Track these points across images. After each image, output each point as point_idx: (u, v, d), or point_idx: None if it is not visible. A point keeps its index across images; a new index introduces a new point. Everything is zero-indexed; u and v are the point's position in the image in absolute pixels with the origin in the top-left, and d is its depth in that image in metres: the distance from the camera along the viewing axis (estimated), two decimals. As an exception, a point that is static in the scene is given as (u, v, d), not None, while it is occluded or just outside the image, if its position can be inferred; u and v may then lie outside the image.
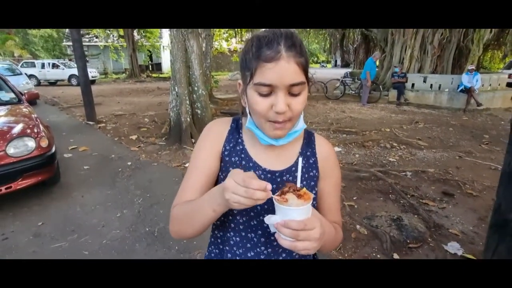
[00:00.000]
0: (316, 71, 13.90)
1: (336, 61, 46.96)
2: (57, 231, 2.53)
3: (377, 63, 10.15)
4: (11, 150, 2.64)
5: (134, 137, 5.53)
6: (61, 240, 2.41)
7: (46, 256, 2.21)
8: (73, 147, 4.85)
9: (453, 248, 2.29)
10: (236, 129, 0.77)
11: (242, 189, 0.52)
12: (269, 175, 0.73)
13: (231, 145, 0.75)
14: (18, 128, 2.88)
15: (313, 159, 0.77)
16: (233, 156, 0.74)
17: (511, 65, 12.91)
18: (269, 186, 0.52)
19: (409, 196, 3.17)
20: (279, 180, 0.73)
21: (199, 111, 5.24)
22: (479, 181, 3.60)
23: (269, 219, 0.57)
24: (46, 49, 24.18)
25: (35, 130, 2.95)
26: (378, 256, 2.25)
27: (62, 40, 25.37)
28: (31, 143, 2.78)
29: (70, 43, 23.14)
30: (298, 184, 0.59)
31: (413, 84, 9.78)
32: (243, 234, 0.73)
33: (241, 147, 0.75)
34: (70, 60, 20.34)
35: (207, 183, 0.72)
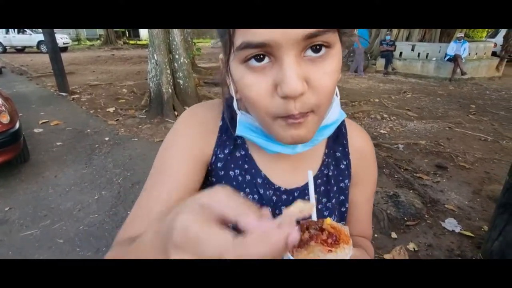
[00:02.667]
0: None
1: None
2: (27, 217, 2.28)
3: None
4: (-36, 127, 2.30)
5: (111, 109, 5.13)
6: (32, 227, 2.17)
7: (16, 245, 1.98)
8: (44, 121, 4.44)
9: (451, 225, 2.24)
10: (231, 123, 0.47)
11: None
12: (284, 196, 0.48)
13: (226, 150, 0.48)
14: (-29, 101, 2.50)
15: (345, 163, 0.52)
16: (231, 167, 0.48)
17: (495, 33, 12.87)
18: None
19: (403, 170, 3.10)
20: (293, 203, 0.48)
21: (181, 81, 4.87)
22: (471, 153, 3.57)
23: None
24: (9, 11, 22.03)
25: (-7, 104, 2.58)
26: (376, 235, 2.16)
27: (26, 2, 23.15)
28: (-12, 119, 2.43)
29: (36, 5, 21.34)
30: (314, 215, 0.37)
31: (401, 53, 9.59)
32: None
33: (242, 152, 0.48)
34: (36, 24, 18.62)
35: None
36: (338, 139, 0.52)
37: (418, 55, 9.27)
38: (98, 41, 22.10)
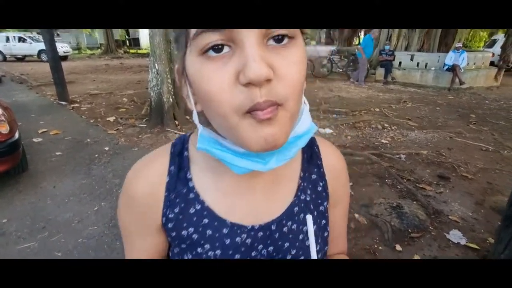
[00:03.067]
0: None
1: (320, 37, 46.42)
2: (24, 229, 2.24)
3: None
4: (-38, 138, 2.27)
5: (111, 118, 5.11)
6: (30, 239, 2.13)
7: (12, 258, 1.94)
8: (43, 130, 4.41)
9: (456, 237, 2.20)
10: (179, 175, 0.43)
11: None
12: (260, 234, 0.44)
13: (176, 209, 0.43)
14: (-30, 111, 2.48)
15: (321, 184, 0.48)
16: (183, 227, 0.43)
17: (493, 43, 13.02)
18: None
19: (405, 181, 3.07)
20: (278, 236, 0.44)
21: (182, 91, 4.87)
22: (472, 163, 3.55)
23: None
24: (10, 20, 22.20)
25: (-8, 114, 2.56)
26: (380, 247, 2.12)
27: (28, 11, 23.36)
28: (-13, 129, 2.40)
29: (37, 15, 21.53)
30: (313, 255, 0.37)
31: (400, 62, 9.67)
32: None
33: (198, 206, 0.43)
34: (38, 33, 18.78)
35: None
36: (312, 159, 0.49)
37: (417, 65, 9.35)
38: (99, 50, 22.24)
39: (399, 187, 2.95)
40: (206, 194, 0.43)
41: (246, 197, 0.44)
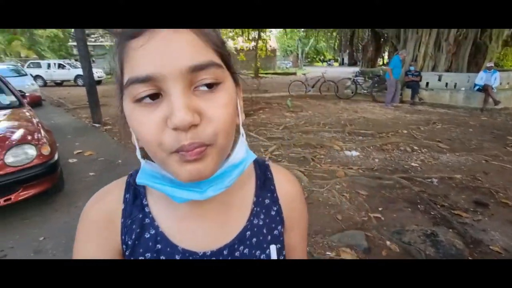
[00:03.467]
0: (326, 70, 13.65)
1: (343, 59, 46.58)
2: (59, 247, 2.33)
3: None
4: (9, 159, 2.44)
5: (140, 140, 5.33)
6: (64, 257, 2.20)
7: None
8: (79, 151, 4.67)
9: (500, 270, 2.03)
10: (135, 203, 0.45)
11: None
12: (213, 259, 0.44)
13: (132, 236, 0.44)
14: (17, 134, 2.68)
15: (275, 208, 0.50)
16: (140, 252, 0.44)
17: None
18: None
19: (439, 207, 2.92)
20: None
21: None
22: (512, 189, 3.32)
23: None
24: (52, 49, 24.20)
25: (36, 137, 2.75)
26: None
27: (68, 40, 25.41)
28: (31, 151, 2.57)
29: (75, 43, 23.42)
30: None
31: (427, 83, 9.46)
32: None
33: (152, 231, 0.44)
34: (76, 60, 20.31)
35: None
36: (265, 185, 0.50)
37: (446, 85, 9.10)
38: (130, 74, 23.53)
39: (432, 213, 2.80)
40: (161, 219, 0.45)
41: (199, 223, 0.45)
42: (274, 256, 0.42)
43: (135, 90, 0.33)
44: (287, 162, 4.11)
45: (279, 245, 0.49)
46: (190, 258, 0.44)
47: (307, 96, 10.73)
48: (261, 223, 0.48)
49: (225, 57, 0.38)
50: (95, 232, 0.45)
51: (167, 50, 0.32)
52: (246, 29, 19.93)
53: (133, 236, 0.44)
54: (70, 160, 4.26)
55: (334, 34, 16.13)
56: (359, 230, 2.53)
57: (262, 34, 20.84)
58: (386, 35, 14.25)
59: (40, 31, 23.45)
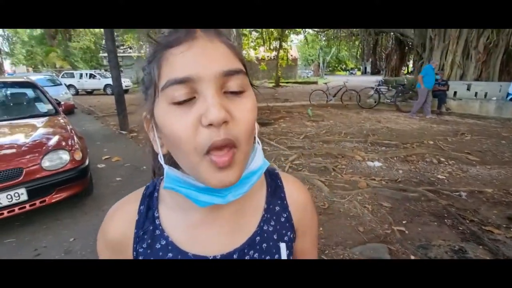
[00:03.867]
0: (348, 79, 13.51)
1: (365, 68, 45.87)
2: (87, 248, 2.44)
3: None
4: (46, 163, 2.61)
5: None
6: (92, 258, 2.31)
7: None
8: (106, 157, 4.88)
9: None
10: (149, 212, 0.49)
11: None
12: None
13: (144, 245, 0.47)
14: (53, 140, 2.86)
15: (285, 215, 0.52)
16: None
17: None
18: None
19: (468, 221, 2.78)
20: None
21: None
22: (551, 205, 3.11)
23: None
24: (84, 60, 25.65)
25: (70, 143, 2.93)
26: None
27: (99, 52, 26.82)
28: (65, 156, 2.74)
29: (105, 54, 24.65)
30: None
31: (455, 92, 9.12)
32: None
33: (163, 242, 0.47)
34: (106, 70, 21.37)
35: None
36: (275, 193, 0.53)
37: (475, 95, 8.74)
38: (155, 84, 24.41)
39: (460, 228, 2.68)
40: (171, 230, 0.47)
41: (211, 229, 0.47)
42: (284, 254, 0.44)
43: (173, 91, 0.36)
44: (308, 171, 4.08)
45: (288, 251, 0.51)
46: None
47: (328, 105, 10.64)
48: (271, 229, 0.50)
49: (247, 70, 0.42)
50: (111, 243, 0.50)
51: (204, 57, 0.37)
52: (268, 39, 20.18)
53: (145, 246, 0.47)
54: (99, 165, 4.47)
55: (357, 43, 15.94)
56: (381, 243, 2.47)
57: (283, 43, 21.01)
58: (410, 43, 13.92)
59: (74, 43, 24.97)
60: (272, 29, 20.47)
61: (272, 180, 0.54)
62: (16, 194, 2.41)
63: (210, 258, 0.46)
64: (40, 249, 2.43)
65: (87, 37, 26.41)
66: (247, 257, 0.48)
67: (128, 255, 0.48)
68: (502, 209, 3.08)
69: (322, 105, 10.77)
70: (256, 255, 0.48)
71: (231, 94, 0.38)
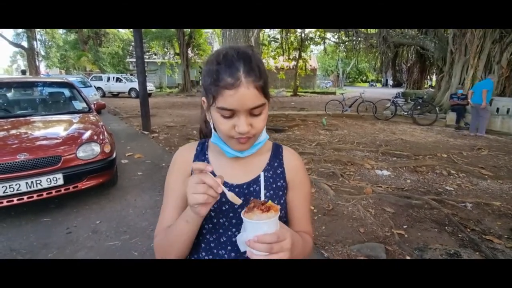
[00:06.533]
0: (365, 90, 13.53)
1: (386, 80, 45.20)
2: (111, 230, 2.74)
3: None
4: (80, 153, 2.97)
5: (183, 147, 5.82)
6: (115, 239, 2.60)
7: (101, 252, 2.40)
8: (129, 154, 5.26)
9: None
10: (201, 152, 0.79)
11: (198, 186, 0.57)
12: (236, 190, 0.74)
13: None
14: (87, 134, 3.23)
15: (280, 170, 0.79)
16: None
17: None
18: (209, 166, 0.59)
19: (469, 230, 2.87)
20: (247, 192, 0.74)
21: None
22: (558, 221, 3.12)
23: (240, 238, 0.60)
24: (112, 64, 26.97)
25: (101, 137, 3.28)
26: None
27: (126, 57, 28.11)
28: (97, 148, 3.09)
29: (132, 60, 25.73)
30: (262, 197, 0.62)
31: (475, 107, 8.96)
32: (215, 251, 0.74)
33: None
34: (131, 74, 22.37)
35: (183, 210, 0.73)
36: (276, 155, 0.80)
37: (497, 110, 8.57)
38: (176, 89, 25.26)
39: (460, 235, 2.77)
40: (213, 163, 0.77)
41: (233, 169, 0.76)
42: (262, 179, 0.65)
43: (223, 111, 0.64)
44: (316, 175, 4.26)
45: (280, 192, 0.77)
46: (224, 185, 0.73)
47: (344, 116, 10.73)
48: (269, 175, 0.77)
49: (268, 93, 0.67)
50: (178, 162, 0.80)
51: (242, 100, 0.62)
52: (287, 49, 20.51)
53: None
54: (123, 161, 4.83)
55: (377, 54, 15.93)
56: (380, 243, 2.61)
57: (302, 53, 21.24)
58: (431, 57, 13.79)
59: (103, 48, 26.34)
60: (292, 39, 20.81)
61: (277, 148, 0.82)
62: (55, 179, 2.76)
63: (230, 184, 0.74)
64: (71, 228, 2.75)
65: (116, 43, 27.80)
66: (251, 189, 0.74)
67: (187, 172, 0.77)
68: (507, 221, 3.13)
69: (338, 115, 10.87)
70: (258, 188, 0.74)
71: (254, 113, 0.65)
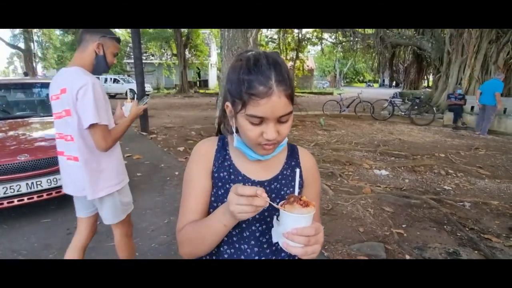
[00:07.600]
0: (362, 91, 13.58)
1: (383, 80, 45.41)
2: (111, 231, 2.72)
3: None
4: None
5: (181, 148, 5.83)
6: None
7: (102, 252, 2.40)
8: (128, 155, 5.25)
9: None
10: (222, 147, 0.80)
11: (242, 199, 0.56)
12: (258, 186, 0.76)
13: (219, 161, 0.78)
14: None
15: (298, 169, 0.82)
16: (222, 172, 0.77)
17: None
18: (259, 190, 0.57)
19: (467, 229, 2.89)
20: (268, 189, 0.76)
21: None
22: (555, 219, 3.16)
23: (276, 230, 0.62)
24: (110, 65, 26.81)
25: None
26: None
27: (123, 58, 28.03)
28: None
29: (129, 61, 25.70)
30: (296, 193, 0.64)
31: (472, 107, 9.04)
32: (237, 246, 0.75)
33: (228, 162, 0.78)
34: (128, 75, 22.32)
35: (206, 203, 0.76)
36: (292, 155, 0.84)
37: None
38: (174, 89, 25.22)
39: (459, 234, 2.80)
40: (233, 158, 0.79)
41: (255, 166, 0.78)
42: (297, 176, 0.65)
43: (252, 118, 0.65)
44: (316, 176, 4.27)
45: (299, 190, 0.79)
46: (245, 180, 0.77)
47: (341, 116, 10.77)
48: (287, 173, 0.81)
49: (293, 99, 0.69)
50: (199, 155, 0.80)
51: (273, 109, 0.63)
52: (285, 49, 20.56)
53: (219, 161, 0.78)
54: (122, 162, 4.82)
55: (374, 54, 16.00)
56: (379, 243, 2.63)
57: (300, 54, 21.30)
58: (428, 57, 13.87)
59: (101, 49, 26.16)
60: (289, 40, 20.86)
61: (292, 149, 0.86)
62: (55, 179, 2.75)
63: (251, 179, 0.77)
64: (71, 229, 2.74)
65: (113, 44, 27.60)
66: (272, 186, 0.78)
67: (209, 166, 0.77)
68: (505, 220, 3.16)
69: (336, 115, 10.92)
70: (278, 186, 0.78)
71: (282, 121, 0.67)
